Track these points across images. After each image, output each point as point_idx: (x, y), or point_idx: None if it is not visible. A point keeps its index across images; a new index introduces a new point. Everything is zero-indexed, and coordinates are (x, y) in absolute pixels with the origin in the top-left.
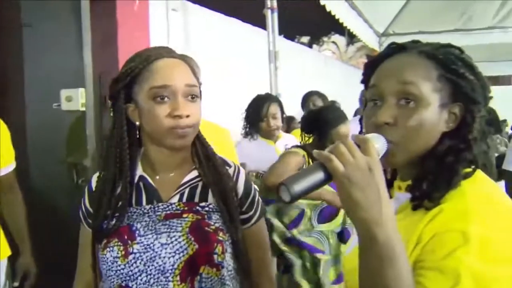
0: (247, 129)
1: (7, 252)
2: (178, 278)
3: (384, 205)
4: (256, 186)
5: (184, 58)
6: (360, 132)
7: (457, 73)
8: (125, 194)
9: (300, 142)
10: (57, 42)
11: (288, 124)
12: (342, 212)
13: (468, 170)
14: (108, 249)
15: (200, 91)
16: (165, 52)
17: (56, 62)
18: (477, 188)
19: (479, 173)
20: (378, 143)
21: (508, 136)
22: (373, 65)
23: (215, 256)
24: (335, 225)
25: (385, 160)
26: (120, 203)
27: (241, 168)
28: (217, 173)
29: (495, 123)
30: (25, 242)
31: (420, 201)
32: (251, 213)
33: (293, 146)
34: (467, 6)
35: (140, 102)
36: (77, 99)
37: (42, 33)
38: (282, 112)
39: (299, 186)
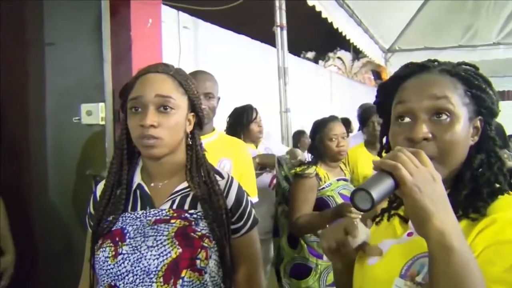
0: (233, 131)
1: None
2: (161, 279)
3: (454, 215)
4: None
5: (178, 72)
6: (380, 151)
7: (481, 88)
8: (121, 200)
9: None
10: (77, 58)
11: (298, 138)
12: None
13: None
14: (101, 249)
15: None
16: (154, 68)
17: (76, 77)
18: None
19: None
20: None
21: None
22: (391, 85)
23: (198, 261)
24: None
25: None
26: (115, 207)
27: (234, 180)
28: (207, 189)
29: (502, 138)
30: (8, 244)
31: (464, 212)
32: (240, 223)
33: (299, 164)
34: (471, 23)
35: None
36: (97, 113)
37: (64, 50)
38: None
39: (377, 194)
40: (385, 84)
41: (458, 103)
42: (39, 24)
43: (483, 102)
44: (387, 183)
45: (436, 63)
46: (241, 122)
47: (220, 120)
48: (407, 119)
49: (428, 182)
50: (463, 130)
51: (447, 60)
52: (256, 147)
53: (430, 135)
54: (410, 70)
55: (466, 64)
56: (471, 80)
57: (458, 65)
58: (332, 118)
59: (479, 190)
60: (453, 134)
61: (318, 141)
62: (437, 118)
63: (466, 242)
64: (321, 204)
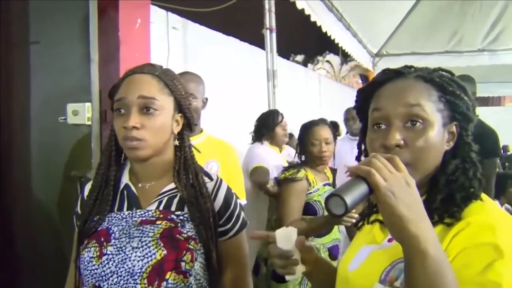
0: (259, 134)
1: None
2: (145, 281)
3: (428, 220)
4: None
5: (166, 73)
6: (358, 156)
7: (454, 95)
8: (107, 200)
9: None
10: (64, 58)
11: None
12: (336, 227)
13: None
14: (86, 249)
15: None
16: (140, 69)
17: (62, 77)
18: (493, 204)
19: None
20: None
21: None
22: (368, 91)
23: (183, 264)
24: (328, 239)
25: None
26: (101, 207)
27: (223, 182)
28: (195, 192)
29: (495, 146)
30: None
31: (439, 217)
32: (228, 226)
33: (287, 168)
34: (457, 29)
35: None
36: (83, 113)
37: (50, 49)
38: None
39: (351, 200)
40: (363, 89)
41: (432, 109)
42: (24, 22)
43: (457, 108)
44: (361, 189)
45: (412, 69)
46: (267, 125)
47: (209, 121)
48: (382, 126)
49: (402, 188)
50: (436, 136)
51: (425, 66)
52: (280, 151)
53: (402, 142)
54: (387, 76)
55: (442, 70)
56: (445, 86)
57: (434, 71)
58: (318, 122)
59: (453, 195)
60: (426, 141)
61: (302, 145)
62: (411, 125)
63: (441, 247)
64: (308, 209)
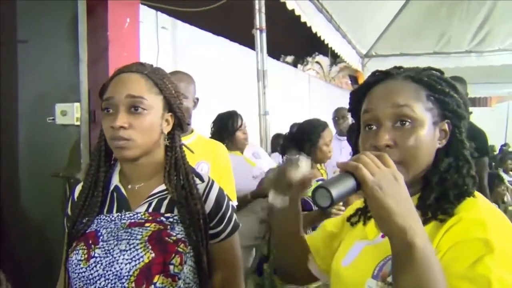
0: (219, 138)
1: None
2: (133, 284)
3: (417, 214)
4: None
5: (155, 71)
6: (352, 153)
7: (443, 92)
8: (96, 202)
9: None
10: (52, 57)
11: (277, 141)
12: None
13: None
14: (74, 252)
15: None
16: (128, 68)
17: (51, 77)
18: (485, 201)
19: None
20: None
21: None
22: (360, 93)
23: (171, 267)
24: None
25: None
26: (90, 209)
27: (214, 183)
28: (186, 193)
29: (484, 146)
30: None
31: (433, 214)
32: (219, 228)
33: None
34: (445, 30)
35: None
36: (72, 113)
37: (38, 49)
38: None
39: (337, 192)
40: (355, 91)
41: (421, 109)
42: (13, 21)
43: (447, 106)
44: (349, 183)
45: (401, 69)
46: (227, 130)
47: (199, 122)
48: (373, 127)
49: (390, 182)
50: (427, 135)
51: (415, 66)
52: (242, 153)
53: (391, 142)
54: (377, 78)
55: (432, 69)
56: (434, 85)
57: (423, 70)
58: (326, 123)
59: (447, 193)
60: (416, 140)
61: (310, 143)
62: (400, 125)
63: (429, 241)
64: (303, 205)
